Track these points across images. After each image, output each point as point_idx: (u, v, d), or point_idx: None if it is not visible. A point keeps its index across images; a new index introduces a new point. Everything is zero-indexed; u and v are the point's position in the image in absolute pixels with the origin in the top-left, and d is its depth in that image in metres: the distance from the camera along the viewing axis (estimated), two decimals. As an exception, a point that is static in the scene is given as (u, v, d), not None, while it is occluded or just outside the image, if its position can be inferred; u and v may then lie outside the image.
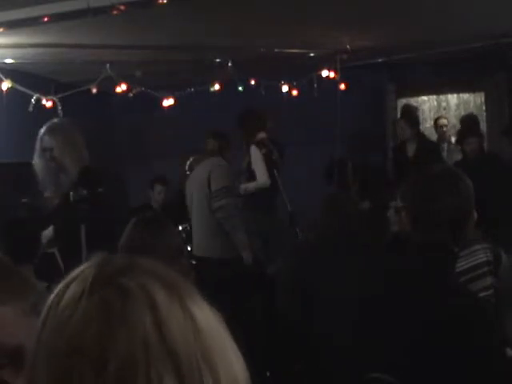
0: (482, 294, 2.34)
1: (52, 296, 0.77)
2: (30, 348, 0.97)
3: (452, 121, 8.33)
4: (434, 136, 7.89)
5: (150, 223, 2.63)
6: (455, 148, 7.01)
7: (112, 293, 0.73)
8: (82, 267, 0.78)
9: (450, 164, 6.64)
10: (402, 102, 8.26)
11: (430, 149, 6.60)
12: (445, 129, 7.56)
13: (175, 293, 0.75)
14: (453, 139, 7.42)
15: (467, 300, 1.93)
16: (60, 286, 0.77)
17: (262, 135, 5.73)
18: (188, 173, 5.77)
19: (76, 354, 0.70)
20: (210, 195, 4.87)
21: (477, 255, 2.43)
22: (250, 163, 5.68)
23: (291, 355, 3.15)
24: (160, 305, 0.72)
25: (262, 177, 5.57)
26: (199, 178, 4.99)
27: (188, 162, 5.82)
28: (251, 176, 5.65)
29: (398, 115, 7.85)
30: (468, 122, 7.04)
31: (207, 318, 0.75)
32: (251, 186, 5.59)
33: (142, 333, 0.70)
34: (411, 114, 7.07)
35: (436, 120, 7.82)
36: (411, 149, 6.50)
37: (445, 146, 7.43)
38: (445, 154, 7.32)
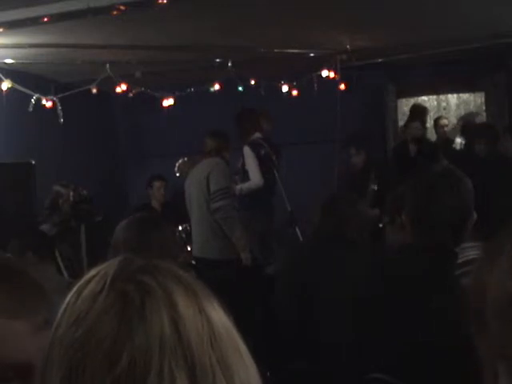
0: None
1: (70, 294, 0.77)
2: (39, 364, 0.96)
3: (452, 121, 8.33)
4: (433, 136, 7.90)
5: (143, 223, 2.62)
6: (459, 147, 7.00)
7: (132, 288, 0.73)
8: (101, 266, 0.79)
9: (450, 164, 6.64)
10: (402, 101, 8.26)
11: (431, 149, 6.60)
12: (445, 129, 7.55)
13: (193, 295, 0.75)
14: (455, 139, 7.41)
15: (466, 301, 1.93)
16: (79, 283, 0.78)
17: (257, 135, 5.71)
18: (177, 175, 5.77)
19: (91, 345, 0.71)
20: (209, 196, 4.86)
21: (467, 252, 2.44)
22: (244, 163, 5.66)
23: (291, 355, 3.15)
24: (179, 304, 0.73)
25: (254, 178, 5.54)
26: (198, 179, 4.98)
27: (177, 165, 5.79)
28: (246, 176, 5.64)
29: (398, 115, 7.85)
30: (475, 122, 7.03)
31: (223, 321, 0.76)
32: (245, 186, 5.57)
33: (159, 330, 0.71)
34: (425, 116, 7.08)
35: (436, 120, 7.81)
36: (413, 149, 6.50)
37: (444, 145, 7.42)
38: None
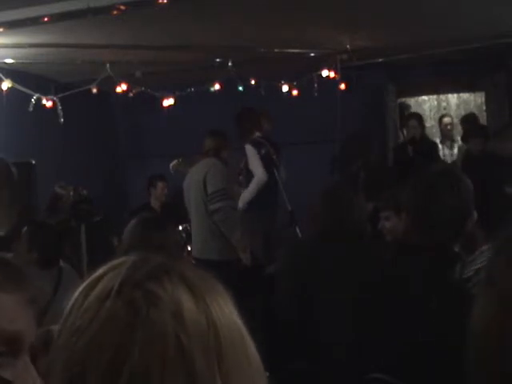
0: None
1: (76, 294, 0.76)
2: (28, 336, 0.98)
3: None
4: (434, 135, 7.91)
5: (146, 223, 2.67)
6: (462, 146, 7.03)
7: (139, 297, 0.71)
8: (111, 264, 0.77)
9: (454, 162, 6.67)
10: (403, 101, 8.27)
11: (430, 148, 6.61)
12: (449, 127, 7.55)
13: (203, 303, 0.73)
14: (457, 137, 7.43)
15: (466, 300, 1.93)
16: (85, 283, 0.76)
17: (257, 134, 5.71)
18: (172, 172, 5.77)
19: (94, 354, 0.69)
20: (207, 197, 4.85)
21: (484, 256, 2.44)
22: (247, 163, 5.65)
23: (291, 355, 3.15)
24: (185, 316, 0.71)
25: (258, 172, 5.50)
26: (196, 179, 4.96)
27: (171, 165, 5.78)
28: (249, 175, 5.62)
29: (398, 115, 7.86)
30: (473, 122, 7.06)
31: (233, 331, 0.74)
32: (251, 188, 5.52)
33: (162, 346, 0.69)
34: (418, 114, 7.10)
35: (440, 118, 7.81)
36: (411, 148, 6.51)
37: (448, 144, 7.44)
38: (448, 151, 7.34)
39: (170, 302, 0.71)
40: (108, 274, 0.75)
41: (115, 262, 0.77)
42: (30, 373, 0.96)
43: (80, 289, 0.76)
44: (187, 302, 0.72)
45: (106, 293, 0.72)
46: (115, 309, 0.71)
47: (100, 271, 0.76)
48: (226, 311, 0.75)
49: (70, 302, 0.76)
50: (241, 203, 5.42)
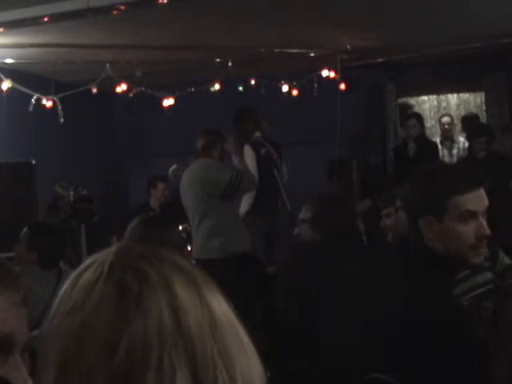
0: (481, 290, 2.34)
1: (66, 283, 0.76)
2: (20, 336, 0.98)
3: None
4: (434, 135, 7.92)
5: (146, 222, 2.67)
6: (462, 146, 7.03)
7: (130, 276, 0.72)
8: (98, 254, 0.77)
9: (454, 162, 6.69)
10: (403, 101, 8.28)
11: (430, 148, 6.62)
12: (447, 127, 7.54)
13: (193, 283, 0.74)
14: (457, 138, 7.43)
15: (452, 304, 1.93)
16: (75, 272, 0.76)
17: (257, 134, 5.70)
18: (171, 179, 5.75)
19: (87, 335, 0.69)
20: (206, 197, 4.82)
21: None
22: None
23: (292, 355, 3.15)
24: (178, 292, 0.71)
25: None
26: (191, 179, 4.93)
27: (171, 169, 5.77)
28: None
29: (398, 115, 7.87)
30: (475, 121, 7.06)
31: (224, 311, 0.74)
32: (245, 197, 5.49)
33: (158, 318, 0.69)
34: (417, 113, 7.11)
35: (440, 118, 7.82)
36: (412, 149, 6.52)
37: (448, 144, 7.44)
38: (447, 152, 7.35)
39: (161, 279, 0.72)
40: (96, 261, 0.75)
41: (101, 252, 0.77)
42: (20, 372, 0.97)
43: (70, 278, 0.76)
44: (178, 280, 0.73)
45: (97, 276, 0.73)
46: (106, 289, 0.71)
47: (87, 261, 0.77)
48: (216, 295, 0.75)
49: (61, 291, 0.76)
50: (242, 210, 5.41)
